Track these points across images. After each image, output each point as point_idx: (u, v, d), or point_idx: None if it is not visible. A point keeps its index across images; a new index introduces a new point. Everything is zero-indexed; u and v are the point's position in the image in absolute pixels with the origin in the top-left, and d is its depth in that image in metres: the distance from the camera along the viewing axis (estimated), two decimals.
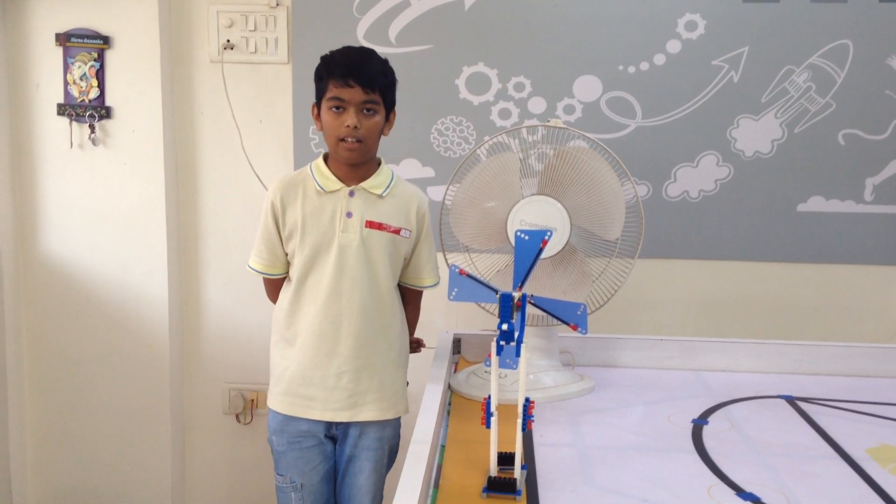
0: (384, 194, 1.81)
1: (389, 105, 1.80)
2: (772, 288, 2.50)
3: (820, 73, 2.38)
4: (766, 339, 2.10)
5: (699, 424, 1.67)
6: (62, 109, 2.47)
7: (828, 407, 1.80)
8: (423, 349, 2.06)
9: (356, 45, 1.85)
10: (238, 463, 2.73)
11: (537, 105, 2.45)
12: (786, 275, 2.49)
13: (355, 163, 1.78)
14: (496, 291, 1.34)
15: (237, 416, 2.69)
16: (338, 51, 1.77)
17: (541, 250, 1.33)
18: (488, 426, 1.33)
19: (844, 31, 2.35)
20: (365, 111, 1.74)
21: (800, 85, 2.39)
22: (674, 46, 2.40)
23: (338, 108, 1.73)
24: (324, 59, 1.77)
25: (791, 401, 1.84)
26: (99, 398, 2.62)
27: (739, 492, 1.34)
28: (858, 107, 2.39)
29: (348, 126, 1.72)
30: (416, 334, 2.03)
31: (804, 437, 1.61)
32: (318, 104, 1.79)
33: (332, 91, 1.73)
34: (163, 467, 2.64)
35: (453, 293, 1.39)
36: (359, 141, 1.74)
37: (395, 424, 1.93)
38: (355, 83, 1.71)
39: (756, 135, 2.42)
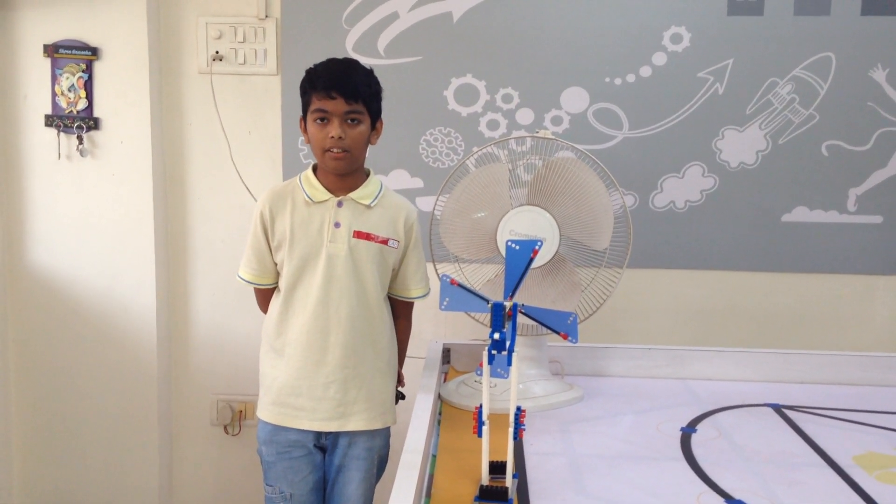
0: (372, 205, 1.82)
1: (375, 114, 1.81)
2: (757, 297, 2.52)
3: (803, 86, 2.41)
4: (752, 348, 2.11)
5: (688, 433, 1.68)
6: (50, 120, 2.46)
7: (814, 415, 1.82)
8: (402, 385, 2.04)
9: (345, 56, 1.85)
10: (226, 475, 2.72)
11: (525, 116, 2.47)
12: (771, 284, 2.52)
13: (343, 172, 1.79)
14: (488, 301, 1.35)
15: (225, 428, 2.68)
16: (321, 63, 1.79)
17: (531, 260, 1.34)
18: (480, 435, 1.34)
19: (827, 43, 2.39)
20: (349, 121, 1.75)
21: (784, 97, 2.42)
22: (660, 59, 2.42)
23: (322, 119, 1.75)
24: (308, 72, 1.79)
25: (777, 409, 1.85)
26: (86, 409, 2.61)
27: (728, 499, 1.35)
28: (841, 118, 2.42)
29: (333, 137, 1.73)
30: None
31: (791, 445, 1.63)
32: (304, 117, 1.81)
33: (316, 103, 1.74)
34: (150, 479, 2.63)
35: (445, 303, 1.40)
36: (344, 150, 1.75)
37: (385, 434, 1.93)
38: (338, 94, 1.72)
39: (741, 146, 2.45)
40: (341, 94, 1.72)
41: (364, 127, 1.77)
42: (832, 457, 1.56)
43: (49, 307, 2.57)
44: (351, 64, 1.79)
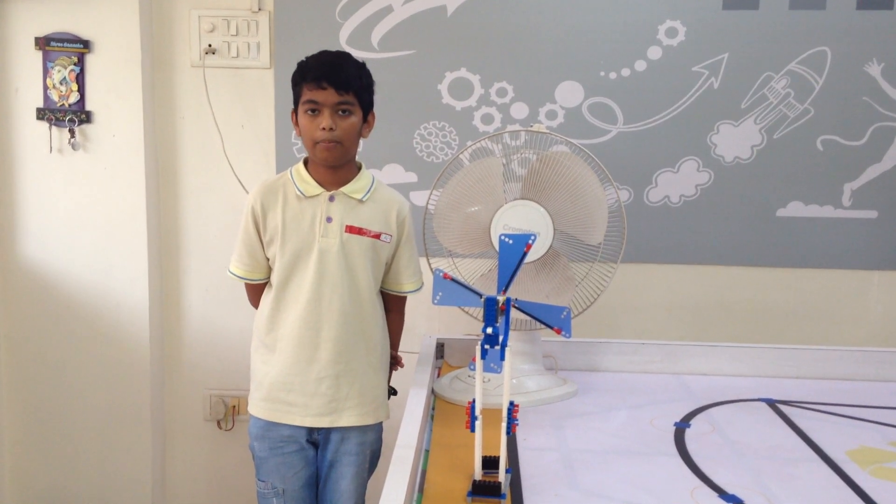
0: (364, 199, 1.81)
1: (366, 107, 1.79)
2: (751, 292, 2.52)
3: (799, 80, 2.40)
4: (746, 343, 2.11)
5: (681, 427, 1.68)
6: (41, 114, 2.45)
7: (808, 410, 1.82)
8: (401, 366, 2.04)
9: (337, 49, 1.84)
10: (219, 470, 2.71)
11: (520, 110, 2.46)
12: (765, 279, 2.51)
13: (333, 163, 1.78)
14: (480, 295, 1.35)
15: (218, 423, 2.67)
16: (312, 55, 1.79)
17: (525, 254, 1.34)
18: (473, 430, 1.33)
19: (823, 38, 2.38)
20: (340, 112, 1.73)
21: (779, 91, 2.41)
22: (654, 53, 2.41)
23: (313, 110, 1.74)
24: (299, 64, 1.78)
25: (771, 403, 1.85)
26: (79, 404, 2.60)
27: (722, 494, 1.35)
28: (837, 113, 2.41)
29: (323, 128, 1.72)
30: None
31: (785, 440, 1.63)
32: (295, 110, 1.80)
33: (307, 94, 1.73)
34: (143, 474, 2.62)
35: (437, 297, 1.39)
36: (335, 142, 1.74)
37: (377, 429, 1.92)
38: (328, 85, 1.71)
39: (736, 140, 2.44)
40: (332, 85, 1.71)
41: (355, 119, 1.76)
42: (826, 451, 1.56)
43: (40, 302, 2.56)
44: (342, 55, 1.79)
